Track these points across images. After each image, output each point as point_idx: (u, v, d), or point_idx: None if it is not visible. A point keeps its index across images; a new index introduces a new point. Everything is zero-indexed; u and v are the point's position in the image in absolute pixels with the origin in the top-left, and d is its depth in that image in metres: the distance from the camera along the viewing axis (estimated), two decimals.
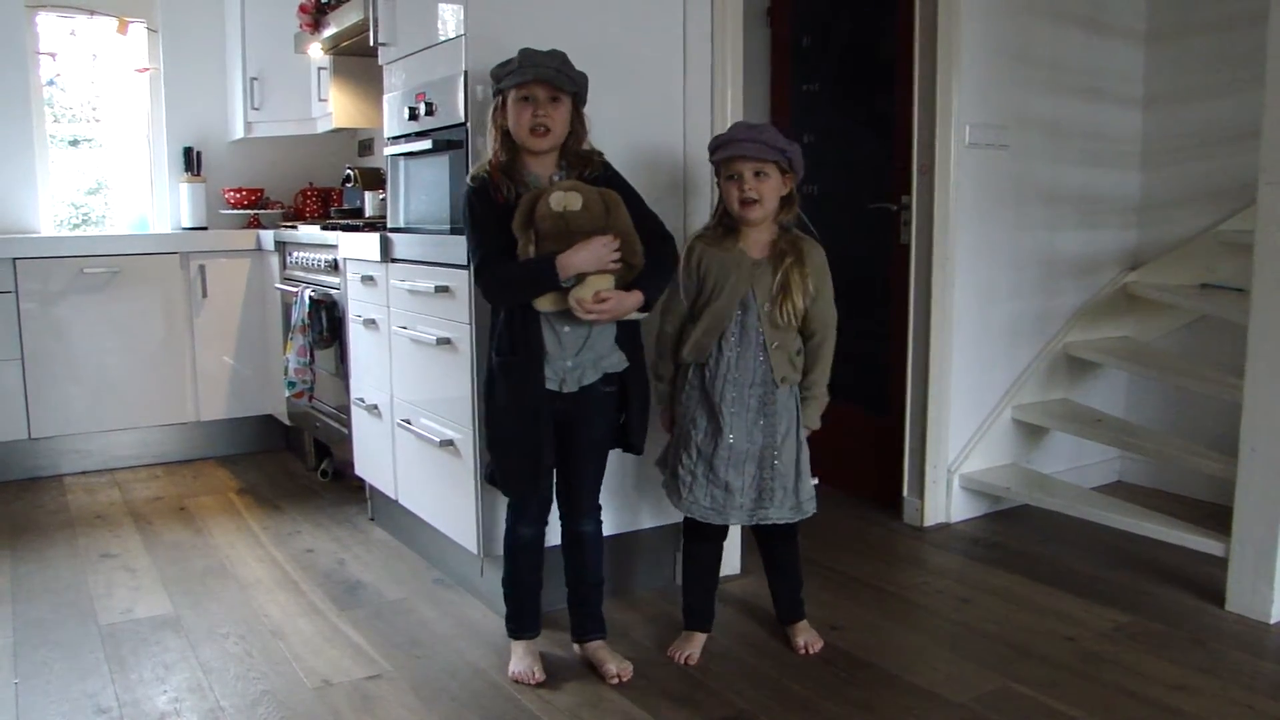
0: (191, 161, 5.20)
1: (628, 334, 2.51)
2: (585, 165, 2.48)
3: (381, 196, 4.33)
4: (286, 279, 4.48)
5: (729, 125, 2.97)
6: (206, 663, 2.67)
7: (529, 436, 2.45)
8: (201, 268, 4.71)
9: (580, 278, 2.33)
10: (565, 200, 2.31)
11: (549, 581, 2.66)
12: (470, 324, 2.78)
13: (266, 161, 5.41)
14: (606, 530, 2.66)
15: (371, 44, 3.31)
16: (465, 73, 2.74)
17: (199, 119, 5.28)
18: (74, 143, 5.33)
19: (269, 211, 5.32)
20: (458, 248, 2.81)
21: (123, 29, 5.12)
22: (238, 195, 5.23)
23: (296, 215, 5.30)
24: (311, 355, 4.01)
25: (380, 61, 3.33)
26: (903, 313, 3.72)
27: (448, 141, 2.88)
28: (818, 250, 2.57)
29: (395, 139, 3.24)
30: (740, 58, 3.13)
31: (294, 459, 4.83)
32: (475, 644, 2.77)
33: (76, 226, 5.33)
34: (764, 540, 2.72)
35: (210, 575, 3.31)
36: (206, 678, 2.58)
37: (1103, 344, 3.94)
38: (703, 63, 3.03)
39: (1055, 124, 3.80)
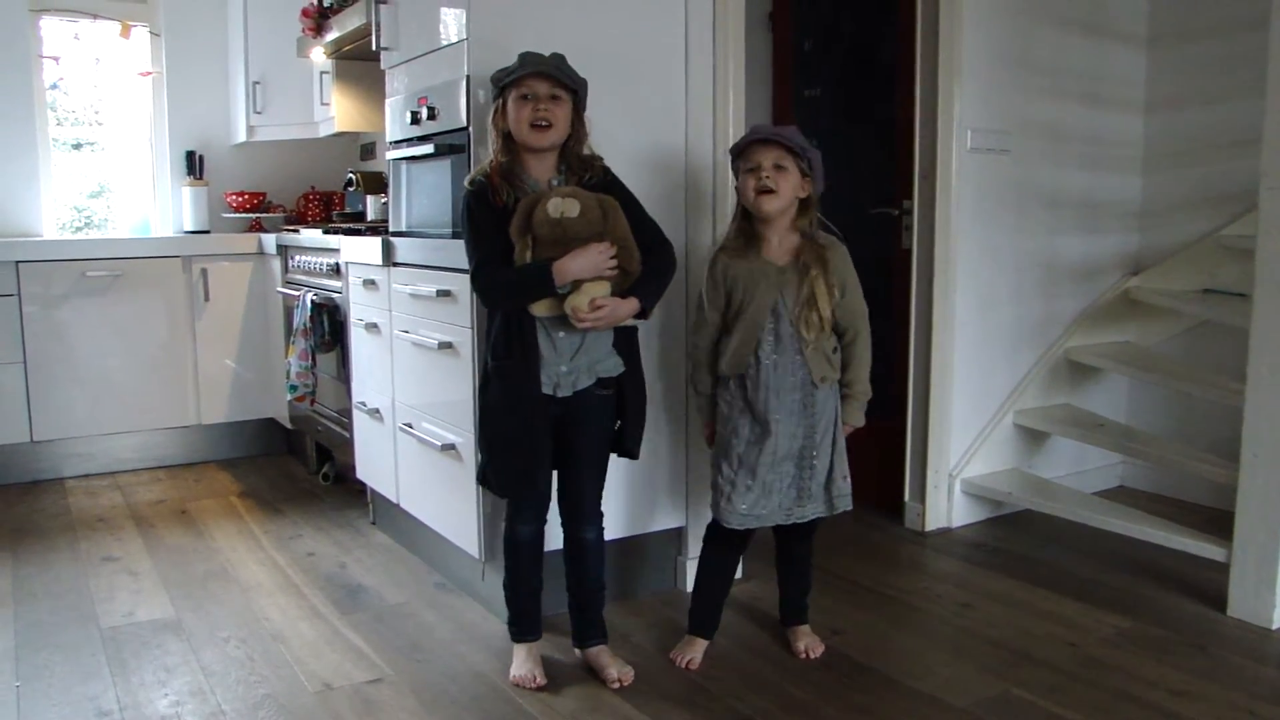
0: (194, 165, 5.21)
1: (625, 339, 2.51)
2: (585, 170, 2.48)
3: (383, 200, 4.34)
4: (288, 283, 4.48)
5: (731, 129, 2.99)
6: (208, 666, 2.67)
7: (521, 439, 2.45)
8: (204, 271, 4.72)
9: (576, 284, 2.33)
10: (562, 207, 2.31)
11: (550, 586, 2.66)
12: (472, 328, 2.78)
13: (269, 165, 5.42)
14: (608, 534, 2.66)
15: (374, 48, 3.31)
16: (467, 77, 2.75)
17: (201, 122, 5.29)
18: (77, 146, 5.34)
19: (271, 215, 5.33)
20: (459, 252, 2.80)
21: (125, 33, 5.13)
22: (240, 199, 5.24)
23: (298, 219, 5.30)
24: (313, 359, 4.02)
25: (382, 66, 3.33)
26: (904, 317, 3.72)
27: (449, 146, 2.89)
28: (840, 250, 2.58)
29: (397, 143, 3.25)
30: (742, 63, 3.13)
31: (295, 462, 4.83)
32: (476, 648, 2.77)
33: (79, 230, 5.34)
34: (783, 540, 2.72)
35: (212, 578, 3.31)
36: (208, 681, 2.59)
37: (1104, 349, 3.94)
38: (704, 68, 3.03)
39: (1057, 129, 3.80)
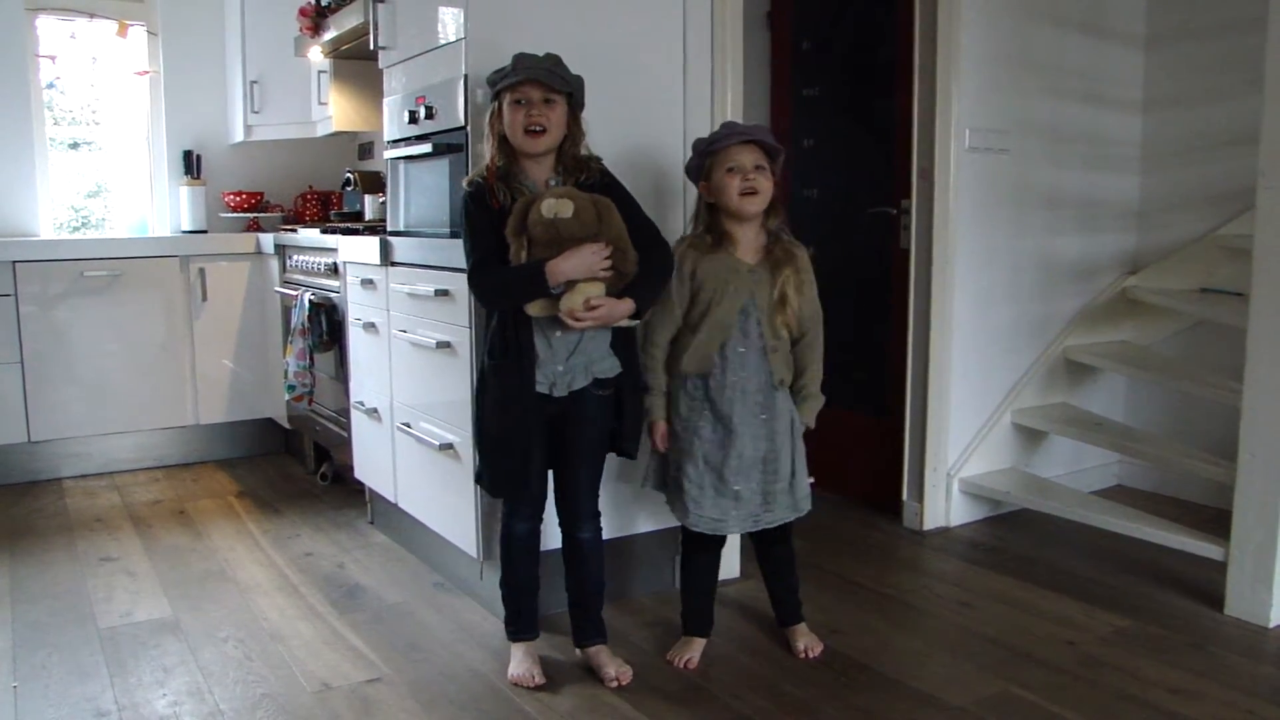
0: (191, 165, 5.20)
1: (622, 339, 2.51)
2: (582, 170, 2.48)
3: (381, 200, 4.34)
4: (286, 282, 4.48)
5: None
6: (206, 666, 2.67)
7: (517, 439, 2.45)
8: (201, 271, 4.71)
9: (570, 284, 2.33)
10: (556, 207, 2.31)
11: (549, 585, 2.66)
12: (470, 328, 2.78)
13: (266, 165, 5.42)
14: (605, 535, 2.66)
15: (371, 47, 3.31)
16: (465, 76, 2.75)
17: (199, 122, 5.29)
18: (74, 146, 5.33)
19: (269, 215, 5.32)
20: (457, 251, 2.80)
21: (123, 32, 5.12)
22: (238, 198, 5.24)
23: (296, 218, 5.30)
24: (311, 358, 4.01)
25: (380, 65, 3.33)
26: (902, 317, 3.72)
27: (447, 145, 2.89)
28: (804, 252, 2.60)
29: (395, 142, 3.25)
30: (740, 62, 3.14)
31: (294, 462, 4.83)
32: (475, 648, 2.77)
33: (76, 230, 5.33)
34: (760, 543, 2.72)
35: (210, 579, 3.31)
36: (206, 681, 2.58)
37: (1102, 348, 3.94)
38: (703, 67, 3.03)
39: (1055, 128, 3.80)
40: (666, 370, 2.60)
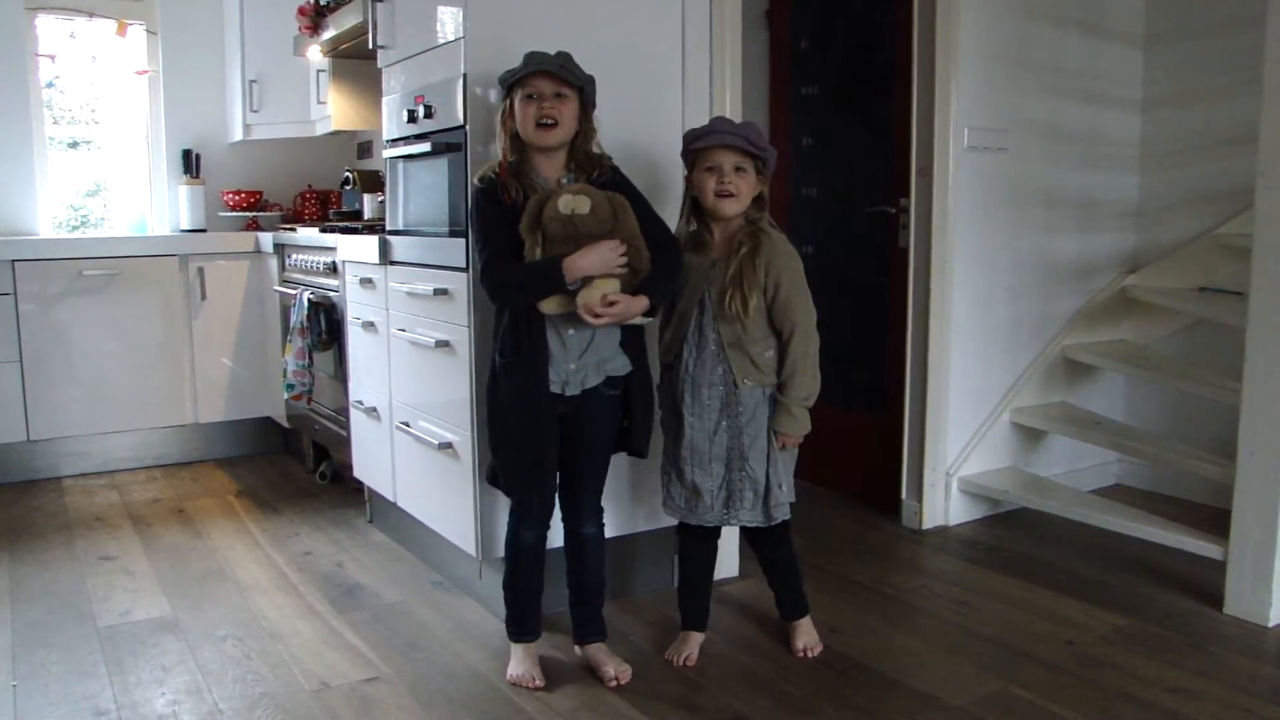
0: (190, 164, 5.20)
1: (632, 337, 2.51)
2: (594, 168, 2.48)
3: (380, 199, 4.33)
4: (285, 281, 4.48)
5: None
6: (205, 665, 2.67)
7: (531, 438, 2.45)
8: (200, 270, 4.71)
9: (585, 281, 2.34)
10: (573, 203, 2.31)
11: (549, 584, 2.66)
12: (469, 326, 2.78)
13: (265, 164, 5.42)
14: (606, 533, 2.66)
15: (370, 46, 3.31)
16: (464, 75, 2.74)
17: (198, 121, 5.29)
18: (73, 145, 5.33)
19: (268, 214, 5.32)
20: (456, 250, 2.81)
21: (122, 31, 5.12)
22: (236, 197, 5.24)
23: (295, 217, 5.30)
24: (310, 358, 4.02)
25: (379, 64, 3.33)
26: (901, 315, 3.72)
27: (446, 144, 2.88)
28: (779, 243, 2.51)
29: (394, 141, 3.25)
30: (739, 60, 3.14)
31: (293, 461, 4.83)
32: (473, 647, 2.77)
33: (75, 229, 5.33)
34: (756, 544, 2.72)
35: (209, 577, 3.31)
36: (205, 680, 2.58)
37: (1101, 347, 3.94)
38: (701, 65, 3.03)
39: (1054, 127, 3.80)
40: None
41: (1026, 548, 3.53)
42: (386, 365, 3.36)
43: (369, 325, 3.48)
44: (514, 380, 2.43)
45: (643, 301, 2.38)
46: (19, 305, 4.36)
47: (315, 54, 4.55)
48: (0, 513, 4.04)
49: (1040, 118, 3.76)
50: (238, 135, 5.15)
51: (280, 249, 4.56)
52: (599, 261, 2.33)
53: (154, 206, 5.30)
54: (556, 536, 2.63)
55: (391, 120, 3.27)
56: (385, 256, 3.31)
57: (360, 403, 3.61)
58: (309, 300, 3.96)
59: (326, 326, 3.93)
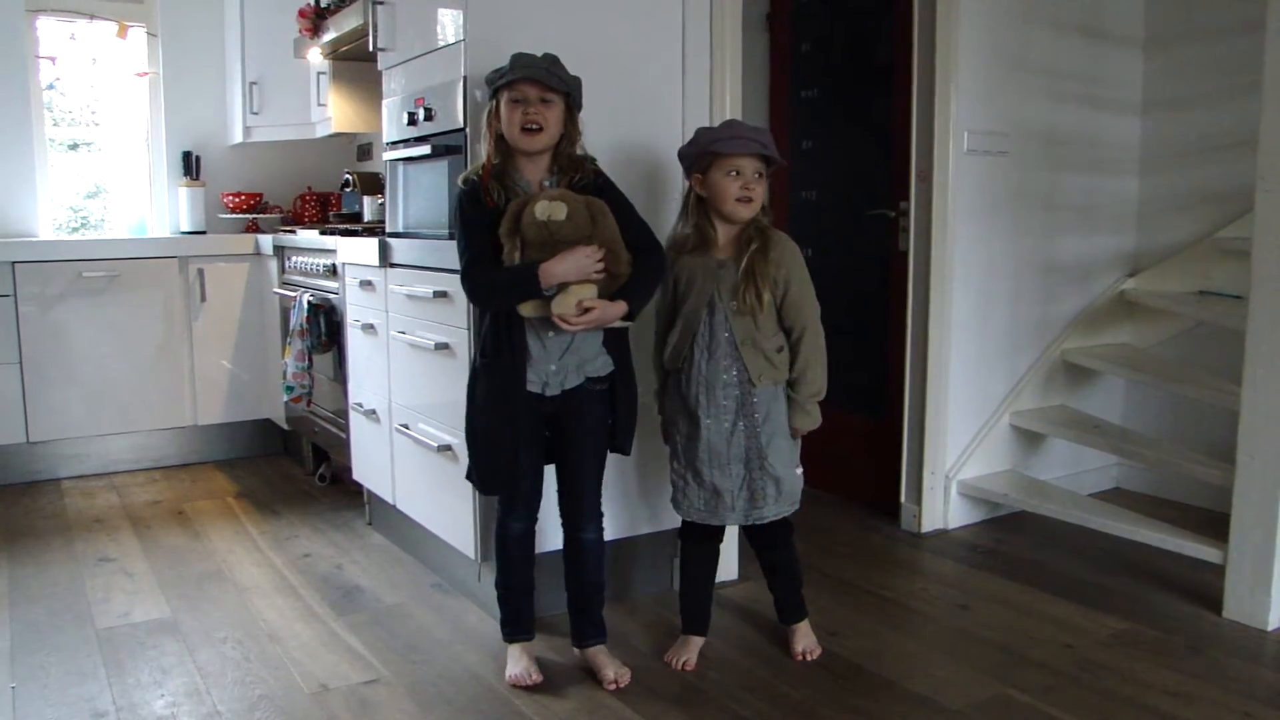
0: (190, 166, 5.21)
1: (615, 338, 2.51)
2: (576, 170, 2.48)
3: (380, 201, 4.33)
4: (285, 283, 4.48)
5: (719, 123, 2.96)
6: (204, 667, 2.67)
7: (505, 436, 2.45)
8: (200, 272, 4.72)
9: (562, 286, 2.34)
10: (550, 210, 2.31)
11: (548, 586, 2.66)
12: (468, 329, 2.79)
13: (265, 166, 5.42)
14: (605, 536, 2.66)
15: (371, 49, 3.31)
16: (464, 78, 2.75)
17: (198, 123, 5.29)
18: (73, 146, 5.33)
19: (268, 216, 5.33)
20: (455, 253, 2.80)
21: (122, 33, 5.12)
22: (236, 199, 5.24)
23: (295, 220, 5.30)
24: (310, 360, 4.02)
25: (379, 66, 3.33)
26: (901, 319, 3.72)
27: (446, 147, 2.89)
28: (787, 241, 2.56)
29: (394, 144, 3.25)
30: (739, 64, 3.14)
31: (292, 463, 4.83)
32: (473, 649, 2.77)
33: (75, 230, 5.33)
34: (759, 545, 2.72)
35: (208, 579, 3.31)
36: (204, 682, 2.58)
37: (1101, 350, 3.95)
38: (702, 69, 3.03)
39: (1054, 130, 3.81)
40: (659, 366, 2.65)
41: (1026, 551, 3.53)
42: (386, 367, 3.36)
43: (368, 327, 3.49)
44: (492, 380, 2.44)
45: (620, 307, 2.39)
46: (19, 307, 4.36)
47: (315, 56, 4.55)
48: (0, 514, 4.05)
49: (1040, 121, 3.76)
50: (238, 137, 5.15)
51: (280, 251, 4.56)
52: (574, 268, 2.33)
53: (154, 208, 5.30)
54: (556, 539, 2.63)
55: (391, 123, 3.27)
56: (385, 259, 3.31)
57: (360, 405, 3.61)
58: (309, 302, 3.96)
59: (326, 329, 3.93)
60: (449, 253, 2.85)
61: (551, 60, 2.43)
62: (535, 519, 2.58)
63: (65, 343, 4.46)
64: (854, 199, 4.04)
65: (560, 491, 2.59)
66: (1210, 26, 3.81)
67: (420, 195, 3.13)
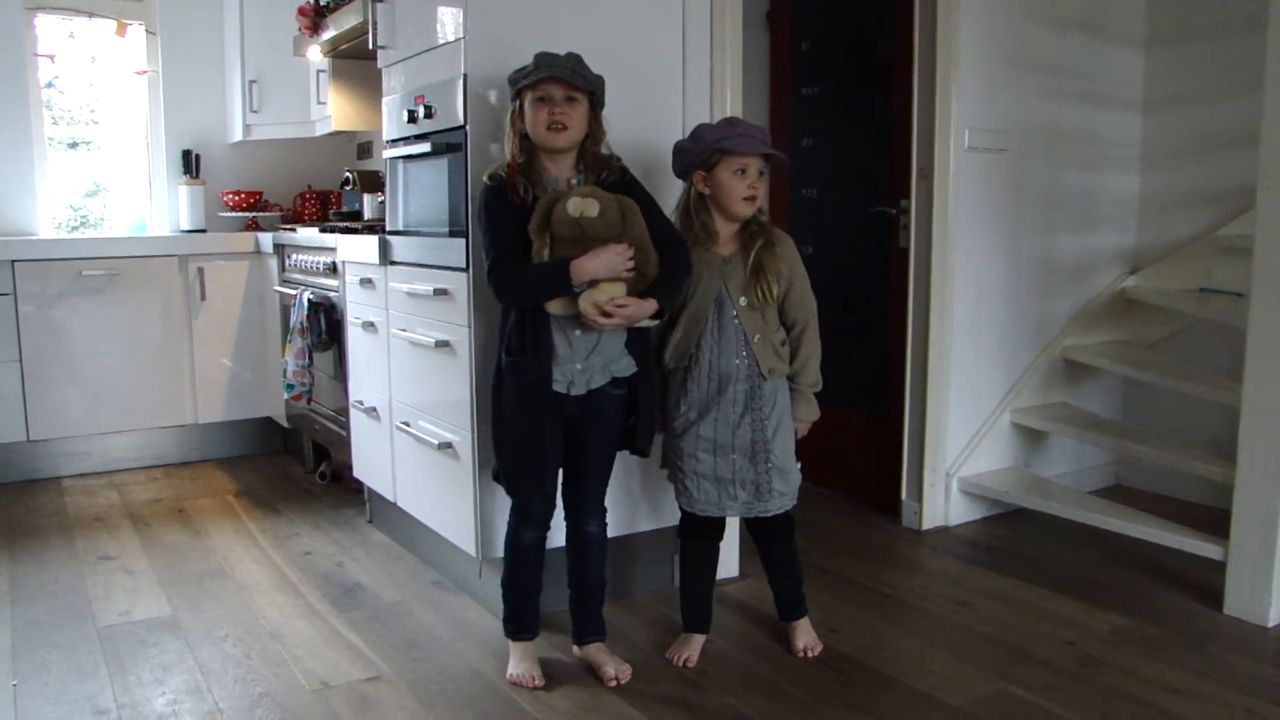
0: (190, 164, 5.20)
1: (638, 338, 2.51)
2: (603, 169, 2.48)
3: (380, 199, 4.33)
4: (285, 281, 4.48)
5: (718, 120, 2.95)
6: (205, 664, 2.67)
7: (534, 436, 2.45)
8: (200, 270, 4.71)
9: (593, 284, 2.34)
10: (582, 206, 2.31)
11: (549, 584, 2.66)
12: (469, 327, 2.78)
13: (265, 164, 5.42)
14: (607, 532, 2.66)
15: (370, 47, 3.31)
16: (464, 75, 2.74)
17: (198, 121, 5.29)
18: (73, 145, 5.33)
19: (268, 214, 5.32)
20: (457, 250, 2.81)
21: (121, 31, 5.11)
22: (236, 198, 5.23)
23: (295, 218, 5.30)
24: (310, 358, 4.01)
25: (379, 64, 3.33)
26: (901, 316, 3.72)
27: (447, 144, 2.88)
28: (786, 238, 2.60)
29: (394, 142, 3.25)
30: (740, 62, 3.14)
31: (292, 461, 4.83)
32: (474, 646, 2.77)
33: (75, 229, 5.33)
34: (762, 540, 2.72)
35: (208, 577, 3.31)
36: (205, 679, 2.58)
37: (1101, 348, 3.95)
38: (702, 67, 3.03)
39: (1054, 128, 3.80)
40: (656, 363, 2.64)
41: (1027, 548, 3.54)
42: (386, 365, 3.36)
43: (369, 325, 3.48)
44: (519, 379, 2.43)
45: (651, 305, 2.39)
46: (19, 305, 4.35)
47: (315, 54, 4.55)
48: (0, 513, 4.04)
49: (1040, 119, 3.76)
50: (237, 135, 5.15)
51: (280, 249, 4.56)
52: (605, 265, 2.33)
53: (154, 207, 5.30)
54: (558, 536, 2.63)
55: (391, 120, 3.27)
56: (385, 257, 3.31)
57: (360, 403, 3.61)
58: (309, 300, 3.96)
59: (326, 327, 3.93)
60: (449, 250, 2.86)
61: (576, 59, 2.42)
62: (548, 528, 2.57)
63: (65, 341, 4.46)
64: (855, 196, 4.04)
65: (566, 489, 2.59)
66: (1211, 23, 3.81)
67: (420, 193, 3.13)
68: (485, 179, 2.48)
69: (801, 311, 2.58)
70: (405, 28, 3.13)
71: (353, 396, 3.70)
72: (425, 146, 2.99)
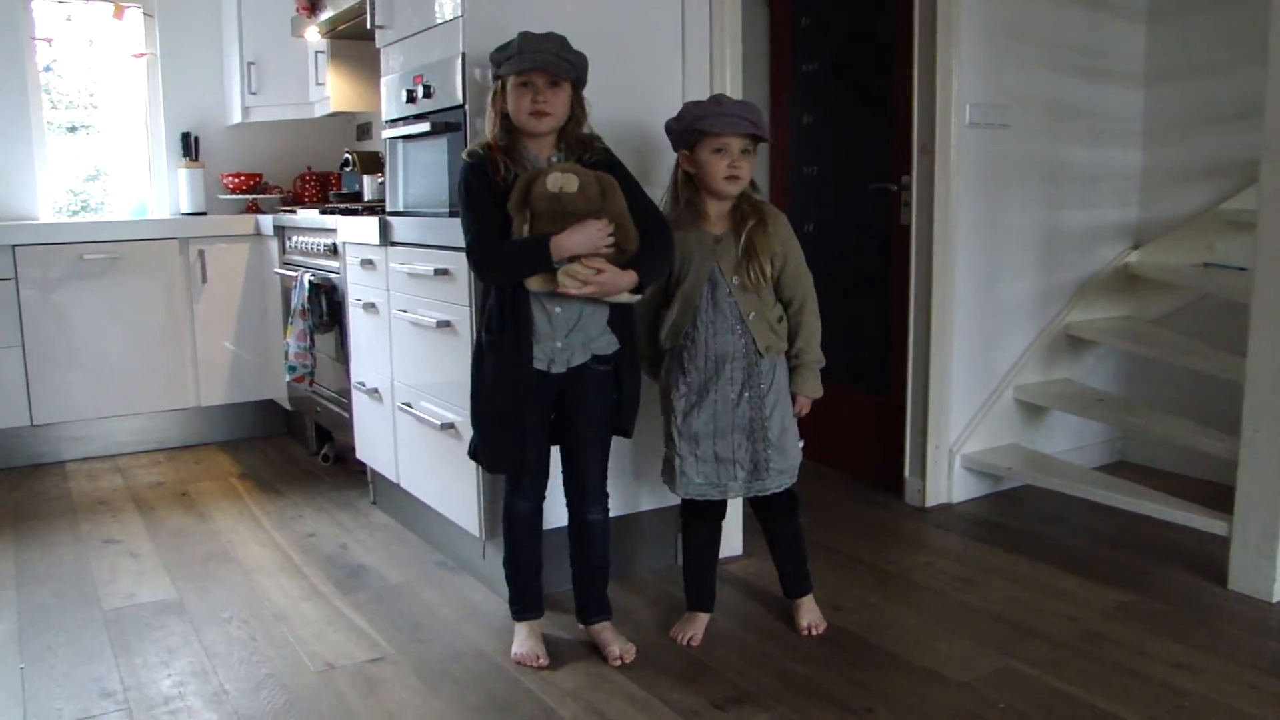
0: (189, 147, 5.19)
1: (620, 316, 2.50)
2: (585, 149, 2.48)
3: (380, 180, 4.32)
4: (286, 263, 4.47)
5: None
6: (210, 647, 2.68)
7: (511, 413, 2.44)
8: (201, 253, 4.71)
9: (573, 259, 2.33)
10: (561, 181, 2.31)
11: (552, 563, 2.67)
12: (470, 306, 2.78)
13: (264, 146, 5.40)
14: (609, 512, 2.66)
15: (368, 27, 3.30)
16: (463, 55, 2.73)
17: (196, 104, 5.27)
18: (72, 129, 5.31)
19: (267, 196, 5.31)
20: (457, 230, 2.78)
21: (119, 14, 5.09)
22: (236, 180, 5.22)
23: (295, 199, 5.29)
24: (312, 339, 4.01)
25: (377, 44, 3.31)
26: (903, 293, 3.71)
27: (446, 124, 2.87)
28: (779, 215, 2.58)
29: (393, 122, 3.23)
30: (739, 38, 3.12)
31: (295, 443, 4.83)
32: (478, 626, 2.78)
33: (76, 213, 5.32)
34: (765, 519, 2.73)
35: (213, 560, 3.32)
36: (210, 661, 2.59)
37: (1104, 324, 3.94)
38: (702, 43, 3.02)
39: (1056, 103, 3.78)
40: (652, 343, 2.63)
41: (1030, 524, 3.54)
42: (388, 346, 3.36)
43: (370, 306, 3.48)
44: (498, 356, 2.43)
45: (630, 276, 2.37)
46: (20, 290, 4.35)
47: (313, 35, 4.53)
48: (5, 497, 4.05)
49: (1042, 93, 3.74)
50: (236, 118, 5.13)
51: (280, 231, 4.55)
52: (586, 240, 2.32)
53: (153, 190, 5.29)
54: (561, 516, 2.64)
55: (390, 100, 3.25)
56: (385, 237, 3.30)
57: (362, 384, 3.61)
58: (310, 282, 3.95)
59: (328, 308, 3.92)
60: (450, 230, 2.85)
61: (560, 43, 2.41)
62: (543, 498, 2.58)
63: (67, 326, 4.46)
64: (855, 173, 4.02)
65: (565, 473, 2.59)
66: None
67: (420, 173, 3.12)
68: (464, 156, 2.47)
69: (798, 288, 2.57)
70: (403, 7, 3.12)
71: (355, 378, 3.70)
72: (424, 126, 2.98)
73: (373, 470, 3.75)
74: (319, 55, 4.67)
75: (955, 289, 3.61)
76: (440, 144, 2.94)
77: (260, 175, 5.31)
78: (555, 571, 2.71)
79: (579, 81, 2.46)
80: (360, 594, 3.02)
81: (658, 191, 2.62)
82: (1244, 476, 2.92)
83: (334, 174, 5.32)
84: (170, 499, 4.00)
